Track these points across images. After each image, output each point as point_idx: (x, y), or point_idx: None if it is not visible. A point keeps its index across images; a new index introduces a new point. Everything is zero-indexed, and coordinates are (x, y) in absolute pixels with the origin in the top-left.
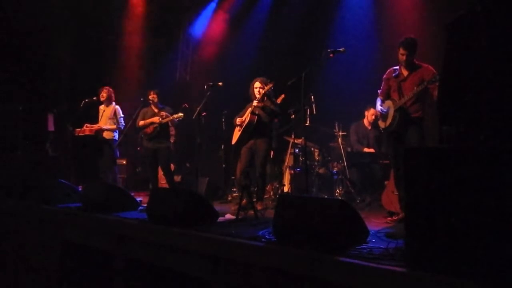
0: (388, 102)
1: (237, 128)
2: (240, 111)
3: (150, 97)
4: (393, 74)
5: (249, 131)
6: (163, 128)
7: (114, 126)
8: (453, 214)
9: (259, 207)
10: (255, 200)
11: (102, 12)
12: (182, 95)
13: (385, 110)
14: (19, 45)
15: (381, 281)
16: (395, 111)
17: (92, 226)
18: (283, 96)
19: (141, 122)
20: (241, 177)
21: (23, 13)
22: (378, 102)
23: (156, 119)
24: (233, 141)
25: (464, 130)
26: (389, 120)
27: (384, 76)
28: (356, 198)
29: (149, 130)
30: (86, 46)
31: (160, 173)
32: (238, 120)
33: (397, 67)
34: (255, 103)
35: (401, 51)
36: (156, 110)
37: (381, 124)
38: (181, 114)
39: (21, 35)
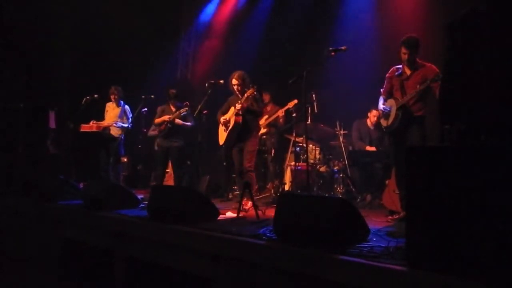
0: (391, 101)
1: (222, 128)
2: (221, 107)
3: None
4: (396, 73)
5: (235, 133)
6: (174, 126)
7: (126, 125)
8: (454, 213)
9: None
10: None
11: (102, 11)
12: (183, 93)
13: (387, 109)
14: (21, 43)
15: (381, 280)
16: (397, 109)
17: (92, 223)
18: (295, 101)
19: (156, 120)
20: (237, 177)
21: (24, 11)
22: (381, 101)
23: (166, 117)
24: (221, 142)
25: (465, 129)
26: (391, 119)
27: (387, 75)
28: (356, 196)
29: (162, 127)
30: (87, 44)
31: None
32: (222, 120)
33: (400, 66)
34: (238, 105)
35: (403, 50)
36: (173, 109)
37: (383, 123)
38: (185, 108)
39: (22, 33)
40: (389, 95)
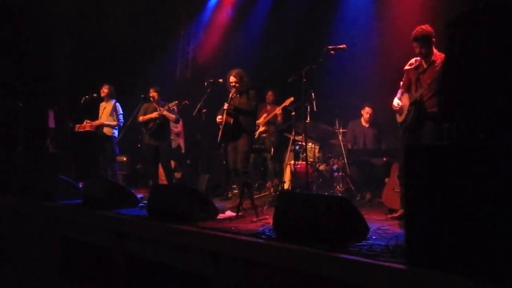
0: (406, 96)
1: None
2: (219, 109)
3: (150, 94)
4: (414, 65)
5: (228, 132)
6: (162, 124)
7: (114, 123)
8: (453, 211)
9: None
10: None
11: (103, 9)
12: (183, 92)
13: (401, 104)
14: (21, 42)
15: (380, 278)
16: (410, 105)
17: (92, 222)
18: (292, 99)
19: (141, 118)
20: (233, 176)
21: (25, 11)
22: (398, 95)
23: (154, 114)
24: (219, 139)
25: (464, 127)
26: (404, 115)
27: (405, 67)
28: (356, 195)
29: (150, 125)
30: (86, 43)
31: (161, 169)
32: (218, 119)
33: (419, 58)
34: (225, 105)
35: (414, 44)
36: (157, 107)
37: (398, 118)
38: (175, 101)
39: (22, 32)
40: (408, 89)
